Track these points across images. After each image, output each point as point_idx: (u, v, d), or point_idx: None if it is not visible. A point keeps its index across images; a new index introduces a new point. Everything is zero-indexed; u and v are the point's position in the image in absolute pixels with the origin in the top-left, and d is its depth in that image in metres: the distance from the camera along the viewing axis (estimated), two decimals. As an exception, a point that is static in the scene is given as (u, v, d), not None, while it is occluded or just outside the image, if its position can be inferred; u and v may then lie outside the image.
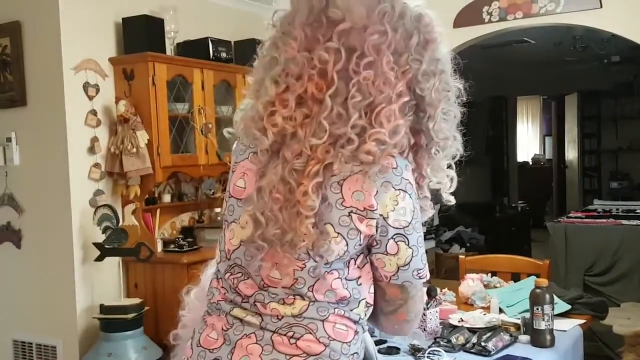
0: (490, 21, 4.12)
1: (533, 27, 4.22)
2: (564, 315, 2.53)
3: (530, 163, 11.57)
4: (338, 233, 1.11)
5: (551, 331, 2.23)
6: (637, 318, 3.35)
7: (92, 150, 3.45)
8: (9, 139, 3.52)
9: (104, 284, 3.47)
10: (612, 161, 9.69)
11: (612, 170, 9.65)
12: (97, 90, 3.49)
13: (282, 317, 1.15)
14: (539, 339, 2.22)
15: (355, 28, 1.12)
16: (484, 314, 2.51)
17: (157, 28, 3.64)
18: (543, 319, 2.20)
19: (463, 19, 4.20)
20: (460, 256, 3.34)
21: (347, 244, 1.12)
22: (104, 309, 3.29)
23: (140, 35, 3.55)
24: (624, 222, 4.32)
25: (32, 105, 3.48)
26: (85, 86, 3.43)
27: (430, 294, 2.46)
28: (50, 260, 3.46)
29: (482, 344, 2.17)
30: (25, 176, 3.54)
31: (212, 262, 1.59)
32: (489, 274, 3.03)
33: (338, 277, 1.14)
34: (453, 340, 2.22)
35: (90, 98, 3.46)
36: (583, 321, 2.52)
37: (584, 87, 9.23)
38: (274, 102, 1.16)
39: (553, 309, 2.25)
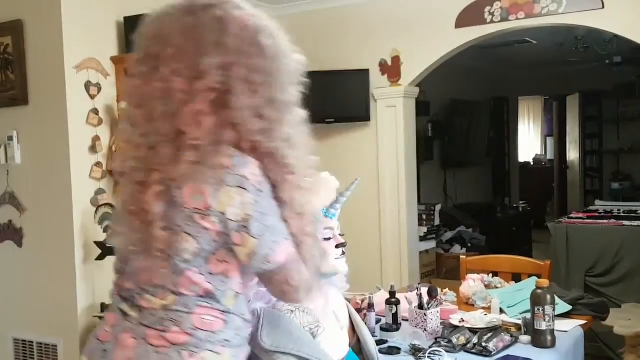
0: (492, 21, 4.12)
1: (535, 27, 4.22)
2: (565, 315, 2.53)
3: (532, 163, 11.56)
4: (187, 233, 1.21)
5: (552, 332, 2.23)
6: (639, 319, 3.34)
7: (93, 149, 3.45)
8: (10, 138, 3.52)
9: (105, 283, 3.45)
10: (614, 162, 9.68)
11: (613, 171, 9.64)
12: (99, 89, 3.49)
13: (156, 311, 1.25)
14: (540, 340, 2.22)
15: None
16: (485, 315, 2.51)
17: (159, 27, 3.64)
18: (544, 320, 2.20)
19: (465, 19, 4.20)
20: (462, 256, 3.34)
21: (198, 242, 1.21)
22: (105, 307, 3.29)
23: (142, 34, 3.55)
24: (626, 222, 4.32)
25: (34, 104, 3.48)
26: (87, 85, 3.43)
27: (431, 294, 2.47)
28: (52, 259, 3.46)
29: (483, 344, 2.18)
30: (27, 175, 3.54)
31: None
32: (490, 275, 3.03)
33: (199, 273, 1.24)
34: (454, 340, 2.22)
35: (92, 97, 3.46)
36: (584, 322, 2.52)
37: (586, 87, 9.22)
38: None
39: (554, 310, 2.25)
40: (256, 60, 1.25)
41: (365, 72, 4.54)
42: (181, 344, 1.22)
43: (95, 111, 3.46)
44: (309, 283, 1.33)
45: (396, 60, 4.49)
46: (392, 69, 4.51)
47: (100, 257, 3.32)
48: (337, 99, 4.55)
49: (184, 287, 1.23)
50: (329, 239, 1.59)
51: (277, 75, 1.30)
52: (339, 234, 1.64)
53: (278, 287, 1.31)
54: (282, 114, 1.32)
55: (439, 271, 5.81)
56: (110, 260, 3.37)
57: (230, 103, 1.22)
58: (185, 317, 1.23)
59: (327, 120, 4.62)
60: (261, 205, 1.23)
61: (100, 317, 3.28)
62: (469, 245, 6.25)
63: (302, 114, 1.40)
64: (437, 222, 5.87)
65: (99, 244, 3.31)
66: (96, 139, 3.46)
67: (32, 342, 3.57)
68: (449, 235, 6.25)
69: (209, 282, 1.24)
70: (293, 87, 1.37)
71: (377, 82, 4.56)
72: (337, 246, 1.60)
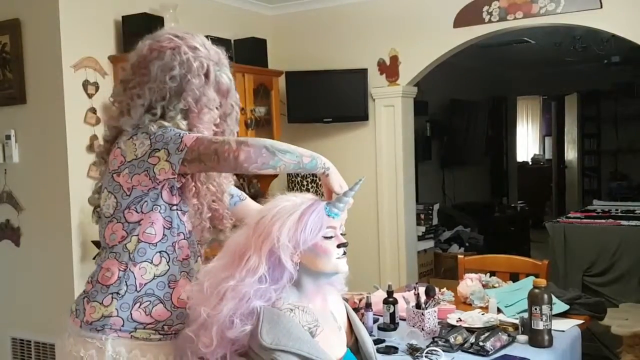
0: (490, 21, 4.12)
1: (533, 27, 4.23)
2: (563, 315, 2.53)
3: (530, 163, 11.57)
4: (109, 192, 1.67)
5: (549, 331, 2.23)
6: (636, 319, 3.35)
7: (91, 148, 3.44)
8: (8, 137, 3.52)
9: (103, 282, 3.46)
10: (612, 162, 9.69)
11: (611, 171, 9.65)
12: (97, 88, 3.48)
13: None
14: (537, 339, 2.22)
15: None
16: (482, 314, 2.52)
17: (157, 26, 3.61)
18: (541, 319, 2.21)
19: (463, 18, 4.20)
20: (459, 256, 3.35)
21: (115, 198, 1.65)
22: (102, 307, 3.29)
23: (140, 33, 3.48)
24: (623, 222, 4.32)
25: (32, 102, 3.48)
26: (85, 84, 3.43)
27: (429, 293, 2.47)
28: (49, 258, 3.45)
29: (480, 343, 2.18)
30: (25, 174, 3.54)
31: (213, 259, 1.60)
32: (488, 274, 3.03)
33: (119, 222, 1.64)
34: (451, 340, 2.23)
35: (90, 96, 3.46)
36: (581, 321, 2.52)
37: (584, 87, 9.23)
38: None
39: (551, 309, 2.26)
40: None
41: (363, 72, 4.54)
42: (86, 291, 1.70)
43: (93, 110, 3.46)
44: (233, 143, 1.55)
45: (394, 59, 4.49)
46: (390, 69, 4.51)
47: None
48: (335, 99, 4.55)
49: (107, 236, 1.69)
50: (330, 237, 1.59)
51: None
52: (341, 234, 1.63)
53: (212, 159, 1.56)
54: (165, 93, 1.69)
55: (436, 271, 5.81)
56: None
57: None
58: (97, 270, 1.71)
59: (325, 119, 4.62)
60: (163, 135, 1.61)
61: (97, 317, 3.27)
62: (467, 244, 6.25)
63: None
64: (435, 221, 5.87)
65: (97, 243, 3.31)
66: (94, 137, 3.45)
67: (30, 341, 3.57)
68: (447, 234, 6.25)
69: (125, 230, 1.65)
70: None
71: (376, 81, 4.56)
72: (338, 246, 1.60)
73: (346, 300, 1.85)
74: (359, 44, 4.60)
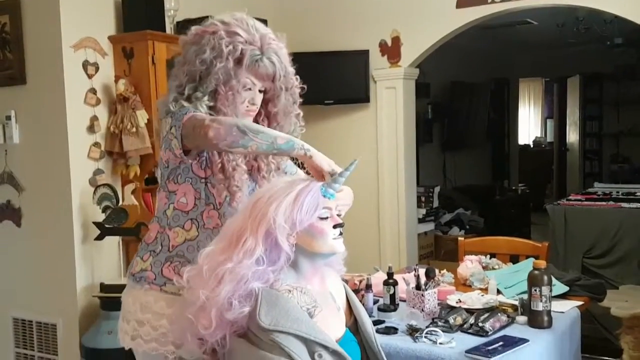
0: (493, 1, 4.09)
1: (536, 7, 4.19)
2: (562, 297, 2.54)
3: (532, 146, 11.55)
4: (159, 164, 1.84)
5: (549, 312, 2.24)
6: (635, 300, 3.36)
7: (91, 129, 3.44)
8: (8, 117, 3.51)
9: (104, 263, 3.48)
10: (614, 144, 9.67)
11: (613, 154, 9.63)
12: (97, 69, 3.47)
13: None
14: (537, 320, 2.23)
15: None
16: (482, 295, 2.52)
17: (157, 6, 3.61)
18: (541, 300, 2.21)
19: (466, -1, 4.17)
20: (459, 238, 3.35)
21: (160, 170, 1.83)
22: (104, 287, 3.30)
23: (139, 13, 3.52)
24: (624, 205, 4.32)
25: (32, 83, 3.46)
26: (85, 64, 3.41)
27: (429, 275, 2.47)
28: (51, 239, 3.46)
29: (480, 324, 2.19)
30: (25, 155, 3.53)
31: (210, 243, 1.60)
32: (488, 256, 3.04)
33: (163, 191, 1.82)
34: (451, 320, 2.24)
35: (90, 76, 3.44)
36: (581, 303, 2.53)
37: (587, 69, 9.18)
38: None
39: (551, 291, 2.26)
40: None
41: (364, 53, 4.52)
42: (139, 248, 1.90)
43: (93, 91, 3.45)
44: (207, 120, 1.64)
45: (396, 40, 4.46)
46: (392, 50, 4.48)
47: (99, 237, 3.32)
48: (336, 80, 4.53)
49: (157, 206, 1.88)
50: (326, 218, 1.59)
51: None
52: (337, 214, 1.63)
53: (193, 137, 1.67)
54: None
55: (437, 253, 5.83)
56: (109, 240, 3.38)
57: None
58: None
59: (326, 101, 4.60)
60: (174, 127, 1.73)
61: (99, 297, 3.29)
62: (467, 227, 6.27)
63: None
64: (435, 204, 5.88)
65: (98, 224, 3.32)
66: (94, 119, 3.44)
67: (32, 321, 3.59)
68: (447, 217, 6.26)
69: (166, 197, 1.83)
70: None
71: (377, 63, 4.53)
72: (334, 226, 1.60)
73: (346, 281, 1.85)
74: (360, 24, 4.57)
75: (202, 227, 1.77)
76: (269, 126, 1.84)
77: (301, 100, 1.91)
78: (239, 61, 1.75)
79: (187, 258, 1.74)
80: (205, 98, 1.75)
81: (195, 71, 1.75)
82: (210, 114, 1.74)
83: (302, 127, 1.92)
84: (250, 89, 1.79)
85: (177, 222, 1.78)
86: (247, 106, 1.80)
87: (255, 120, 1.84)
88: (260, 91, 1.82)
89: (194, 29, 1.81)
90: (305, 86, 1.91)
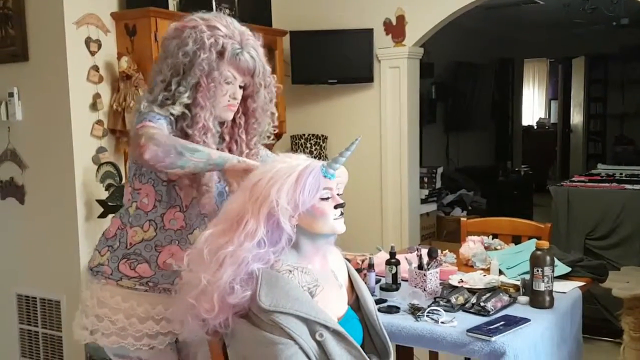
0: (498, -20, 4.04)
1: (542, -13, 4.15)
2: (564, 277, 2.54)
3: (535, 127, 11.51)
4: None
5: (550, 292, 2.25)
6: (637, 281, 3.37)
7: (94, 106, 3.43)
8: (11, 94, 3.50)
9: (107, 240, 3.49)
10: (618, 126, 9.64)
11: (617, 135, 9.60)
12: (99, 46, 3.45)
13: None
14: (538, 300, 2.24)
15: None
16: (484, 275, 2.53)
17: (159, -17, 3.58)
18: (543, 281, 2.22)
19: (472, -23, 4.12)
20: (462, 219, 3.35)
21: (129, 164, 1.85)
22: (107, 265, 3.32)
23: (142, -10, 3.50)
24: (627, 186, 4.31)
25: (34, 60, 3.45)
26: (87, 41, 3.39)
27: (431, 255, 2.48)
28: (54, 216, 3.47)
29: (482, 304, 2.20)
30: (28, 132, 3.53)
31: (210, 224, 1.60)
32: (490, 237, 3.04)
33: (130, 187, 1.84)
34: (452, 300, 2.24)
35: (92, 54, 3.42)
36: (583, 283, 2.54)
37: (592, 50, 9.12)
38: None
39: (553, 271, 2.27)
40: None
41: (369, 32, 4.48)
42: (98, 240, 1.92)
43: (96, 68, 3.43)
44: (144, 138, 1.63)
45: (401, 19, 4.42)
46: (396, 29, 4.45)
47: (103, 215, 3.33)
48: (340, 59, 4.50)
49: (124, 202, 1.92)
50: (327, 198, 1.59)
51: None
52: (338, 194, 1.63)
53: (137, 153, 1.65)
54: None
55: (439, 234, 5.84)
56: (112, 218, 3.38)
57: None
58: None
59: (329, 81, 4.58)
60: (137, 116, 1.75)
61: (102, 274, 3.31)
62: (470, 208, 6.27)
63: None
64: (438, 184, 5.88)
65: (101, 202, 3.32)
66: (97, 96, 3.43)
67: (35, 297, 3.61)
68: (450, 198, 6.27)
69: (130, 194, 1.85)
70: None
71: (381, 42, 4.50)
72: (335, 207, 1.60)
73: (349, 261, 1.86)
74: (364, 3, 4.53)
75: (162, 229, 1.79)
76: (246, 122, 1.89)
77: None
78: (220, 54, 1.77)
79: (143, 257, 1.79)
80: (187, 94, 1.75)
81: (179, 64, 1.76)
82: (181, 116, 1.75)
83: (275, 127, 1.96)
84: (231, 82, 1.81)
85: (138, 221, 1.81)
86: (229, 100, 1.82)
87: (233, 118, 1.88)
88: (240, 87, 1.84)
89: (173, 24, 1.84)
90: (280, 85, 1.97)
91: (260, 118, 1.90)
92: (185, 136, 1.74)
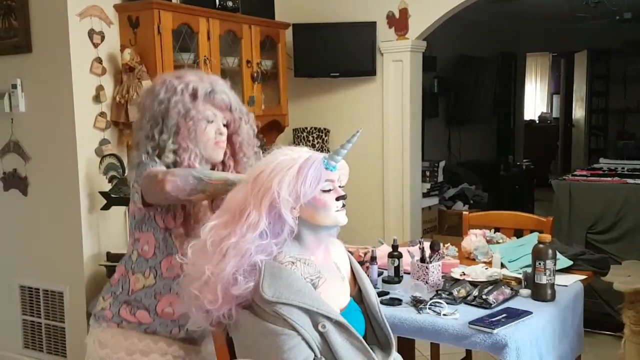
0: (502, -26, 4.04)
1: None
2: (566, 271, 2.55)
3: (537, 121, 11.50)
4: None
5: (552, 286, 2.25)
6: (638, 275, 3.37)
7: (97, 98, 3.43)
8: (14, 86, 3.50)
9: (110, 232, 3.50)
10: (620, 120, 9.63)
11: (619, 130, 9.59)
12: (102, 38, 3.45)
13: None
14: (540, 293, 2.25)
15: None
16: (486, 268, 2.54)
17: (163, -25, 3.58)
18: (544, 274, 2.23)
19: (475, -30, 4.11)
20: (464, 212, 3.35)
21: (129, 219, 1.93)
22: (110, 256, 3.33)
23: (145, -18, 3.50)
24: (629, 180, 4.30)
25: (37, 51, 3.45)
26: (90, 33, 3.39)
27: (434, 248, 2.48)
28: (57, 207, 3.48)
29: (483, 296, 2.21)
30: (31, 123, 3.53)
31: (212, 216, 1.61)
32: (492, 230, 3.04)
33: (131, 237, 1.90)
34: (454, 292, 2.25)
35: (96, 45, 3.42)
36: (584, 277, 2.54)
37: (595, 45, 9.09)
38: None
39: (555, 264, 2.27)
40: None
41: (372, 25, 4.48)
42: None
43: (99, 60, 3.43)
44: (160, 174, 1.71)
45: (404, 12, 4.42)
46: (399, 22, 4.44)
47: (106, 207, 3.34)
48: (342, 53, 4.50)
49: None
50: (329, 190, 1.59)
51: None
52: (340, 186, 1.64)
53: (151, 192, 1.74)
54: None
55: (440, 227, 5.85)
56: (115, 210, 3.39)
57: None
58: None
59: (332, 74, 4.58)
60: (138, 168, 1.81)
61: (105, 266, 3.32)
62: (472, 202, 6.28)
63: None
64: (440, 178, 5.88)
65: (104, 194, 3.33)
66: (100, 88, 3.43)
67: (38, 289, 3.62)
68: (451, 192, 6.27)
69: (131, 244, 1.92)
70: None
71: (384, 35, 4.50)
72: (337, 198, 1.60)
73: (351, 253, 1.86)
74: (367, -4, 4.53)
75: (160, 276, 1.83)
76: (235, 161, 1.94)
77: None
78: (193, 96, 1.82)
79: (143, 304, 1.83)
80: (170, 139, 1.80)
81: (156, 114, 1.82)
82: (174, 163, 1.80)
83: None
84: (213, 120, 1.86)
85: (140, 268, 1.85)
86: (216, 137, 1.86)
87: (222, 160, 1.92)
88: (224, 125, 1.88)
89: (144, 88, 1.99)
90: (259, 123, 2.04)
91: (248, 152, 1.95)
92: None
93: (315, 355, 1.49)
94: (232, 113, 1.89)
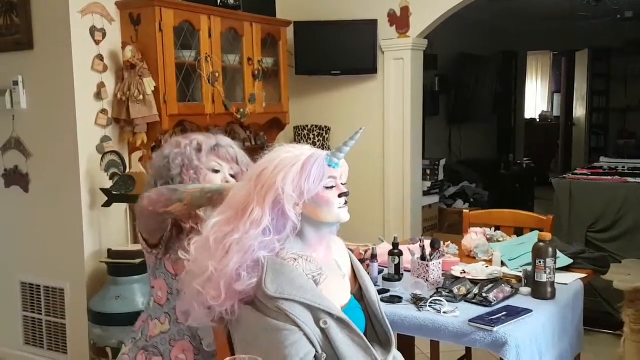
0: (503, -28, 4.04)
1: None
2: (566, 269, 2.55)
3: (538, 120, 11.49)
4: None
5: (552, 284, 2.26)
6: (638, 274, 3.37)
7: (98, 96, 3.44)
8: (15, 83, 3.51)
9: (111, 229, 3.51)
10: (620, 119, 9.63)
11: (619, 129, 9.59)
12: (104, 35, 3.45)
13: None
14: (540, 291, 2.25)
15: None
16: (486, 267, 2.54)
17: (165, -28, 3.58)
18: (545, 272, 2.23)
19: (476, -31, 4.11)
20: (464, 210, 3.35)
21: (148, 267, 1.99)
22: (111, 253, 3.34)
23: (147, -21, 3.50)
24: (629, 179, 4.30)
25: (39, 48, 3.45)
26: (92, 30, 3.40)
27: (434, 246, 2.49)
28: (58, 204, 3.49)
29: (484, 294, 2.21)
30: (33, 120, 3.54)
31: (215, 213, 1.61)
32: (493, 228, 3.05)
33: (150, 285, 1.97)
34: (455, 290, 2.26)
35: (97, 43, 3.43)
36: (584, 275, 2.55)
37: (596, 43, 9.09)
38: None
39: (555, 263, 2.28)
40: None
41: (373, 23, 4.48)
42: None
43: (100, 57, 3.44)
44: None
45: (405, 10, 4.42)
46: (400, 20, 4.45)
47: (107, 204, 3.34)
48: (343, 51, 4.51)
49: None
50: (331, 187, 1.60)
51: None
52: (342, 184, 1.64)
53: (139, 212, 1.80)
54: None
55: (441, 226, 5.85)
56: (116, 207, 3.40)
57: None
58: None
59: (333, 72, 4.58)
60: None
61: (106, 263, 3.33)
62: (472, 200, 6.28)
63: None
64: (440, 177, 5.88)
65: (105, 191, 3.33)
66: (101, 85, 3.44)
67: (39, 285, 3.63)
68: (452, 190, 6.27)
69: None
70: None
71: (385, 33, 4.50)
72: (339, 195, 1.61)
73: (352, 251, 1.87)
74: (369, -6, 4.53)
75: (175, 322, 1.87)
76: None
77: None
78: (198, 149, 1.89)
79: (159, 350, 1.88)
80: None
81: (160, 168, 1.89)
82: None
83: None
84: (219, 170, 1.90)
85: (156, 314, 1.91)
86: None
87: None
88: (231, 176, 1.92)
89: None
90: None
91: None
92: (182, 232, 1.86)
93: (316, 351, 1.50)
94: (239, 165, 1.93)
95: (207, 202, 1.75)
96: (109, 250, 3.36)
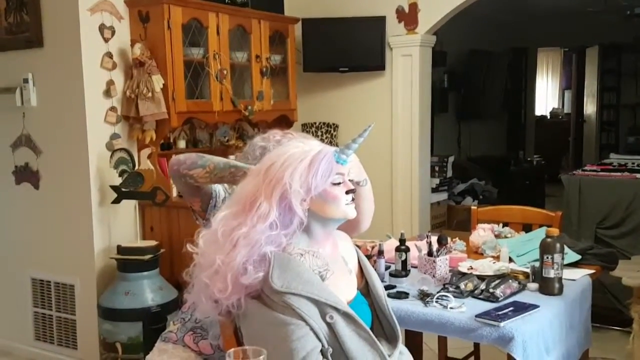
0: (512, -32, 4.02)
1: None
2: (574, 265, 2.55)
3: (548, 117, 11.43)
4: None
5: (560, 280, 2.25)
6: (647, 271, 3.36)
7: (108, 93, 3.46)
8: (26, 80, 3.54)
9: (121, 226, 3.53)
10: (631, 116, 9.56)
11: (630, 125, 9.52)
12: (113, 33, 3.47)
13: None
14: (548, 287, 2.24)
15: None
16: (494, 262, 2.54)
17: (173, -30, 3.59)
18: (552, 268, 2.22)
19: (484, -35, 4.10)
20: (472, 207, 3.35)
21: None
22: (121, 249, 3.36)
23: (156, -23, 3.51)
24: (639, 176, 4.28)
25: (49, 46, 3.48)
26: (101, 28, 3.42)
27: (441, 242, 2.49)
28: (68, 201, 3.51)
29: (491, 290, 2.21)
30: (43, 117, 3.57)
31: (223, 207, 1.62)
32: (501, 225, 3.04)
33: None
34: (462, 286, 2.26)
35: (106, 40, 3.45)
36: (592, 271, 2.54)
37: (606, 39, 9.02)
38: None
39: (563, 258, 2.27)
40: None
41: (381, 20, 4.47)
42: None
43: (110, 55, 3.46)
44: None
45: (413, 7, 4.41)
46: (409, 16, 4.44)
47: (116, 201, 3.37)
48: (351, 47, 4.50)
49: None
50: (339, 184, 1.60)
51: None
52: (349, 180, 1.65)
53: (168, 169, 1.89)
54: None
55: (449, 223, 5.83)
56: (125, 203, 3.42)
57: None
58: None
59: (341, 69, 4.58)
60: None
61: (116, 259, 3.35)
62: (481, 197, 6.26)
63: None
64: (449, 174, 5.86)
65: (115, 188, 3.36)
66: (110, 83, 3.46)
67: (50, 281, 3.66)
68: (460, 187, 6.25)
69: None
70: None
71: (394, 29, 4.49)
72: (347, 192, 1.62)
73: (359, 247, 1.88)
74: (377, -10, 4.52)
75: None
76: None
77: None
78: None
79: (207, 331, 1.95)
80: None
81: (247, 152, 2.04)
82: None
83: None
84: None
85: None
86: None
87: None
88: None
89: None
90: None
91: None
92: None
93: (322, 346, 1.51)
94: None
95: (229, 175, 1.80)
96: (119, 247, 3.38)
